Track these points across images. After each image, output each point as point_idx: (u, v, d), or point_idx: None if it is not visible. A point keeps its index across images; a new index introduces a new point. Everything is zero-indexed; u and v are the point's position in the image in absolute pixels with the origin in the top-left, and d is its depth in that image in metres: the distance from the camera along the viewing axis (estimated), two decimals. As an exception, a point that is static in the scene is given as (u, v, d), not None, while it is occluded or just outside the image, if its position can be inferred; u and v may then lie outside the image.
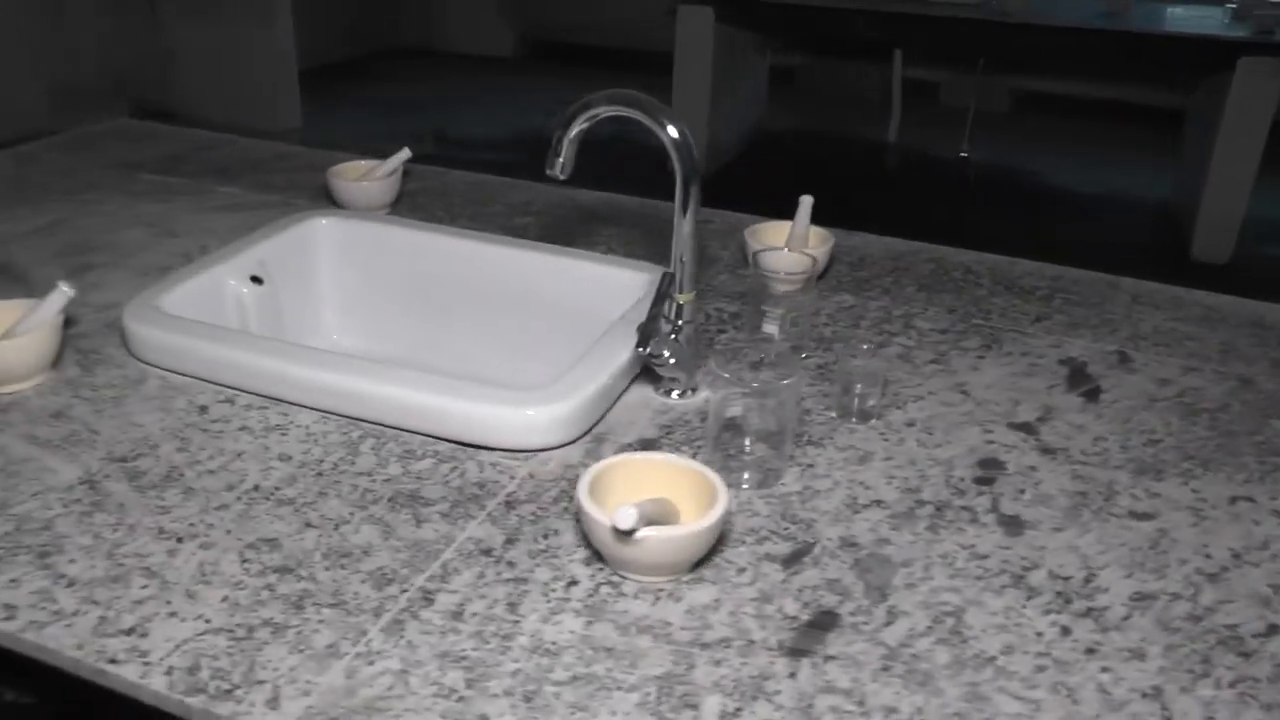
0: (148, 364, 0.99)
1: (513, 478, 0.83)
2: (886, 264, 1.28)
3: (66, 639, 0.67)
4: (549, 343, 1.15)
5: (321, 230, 1.22)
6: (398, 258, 1.21)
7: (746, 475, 0.84)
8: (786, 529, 0.79)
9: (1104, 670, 0.67)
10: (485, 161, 3.92)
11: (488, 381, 0.90)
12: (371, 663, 0.65)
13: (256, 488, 0.82)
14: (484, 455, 0.86)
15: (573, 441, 0.88)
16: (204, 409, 0.92)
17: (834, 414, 0.94)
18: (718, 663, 0.66)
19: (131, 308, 1.00)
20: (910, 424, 0.93)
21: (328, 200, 1.37)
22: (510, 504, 0.80)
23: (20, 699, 0.78)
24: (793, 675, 0.65)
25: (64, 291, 0.96)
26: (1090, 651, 0.69)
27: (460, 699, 0.62)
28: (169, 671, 0.64)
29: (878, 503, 0.82)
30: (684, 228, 0.91)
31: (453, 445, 0.87)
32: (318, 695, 0.63)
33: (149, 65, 4.53)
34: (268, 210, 1.35)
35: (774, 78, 4.77)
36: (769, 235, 1.21)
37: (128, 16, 4.43)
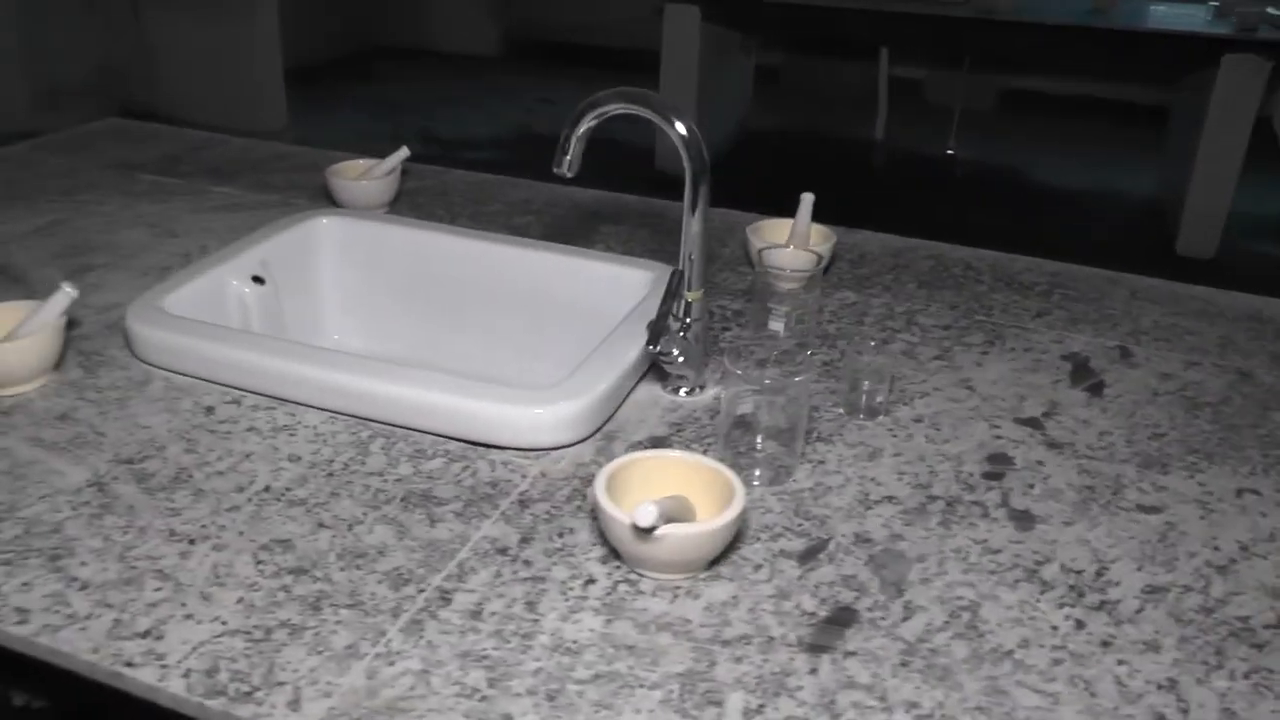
0: (151, 365, 0.98)
1: (525, 476, 0.83)
2: (886, 261, 1.28)
3: (81, 642, 0.66)
4: (553, 342, 1.15)
5: (323, 230, 1.22)
6: (400, 257, 1.21)
7: (758, 472, 0.84)
8: (800, 525, 0.79)
9: (1120, 663, 0.68)
10: (470, 160, 3.91)
11: (495, 380, 0.89)
12: (392, 663, 0.65)
13: (267, 489, 0.82)
14: (495, 454, 0.86)
15: (584, 440, 0.88)
16: (210, 410, 0.92)
17: (842, 410, 0.95)
18: (738, 660, 0.66)
19: (134, 309, 1.00)
20: (918, 420, 0.94)
21: (326, 199, 1.36)
22: (524, 503, 0.80)
23: (32, 703, 0.78)
24: (814, 671, 0.65)
25: (67, 293, 0.95)
26: (1105, 644, 0.69)
27: (483, 698, 0.62)
28: (187, 674, 0.64)
29: (889, 498, 0.83)
30: (693, 225, 0.91)
31: (463, 444, 0.87)
32: (339, 696, 0.62)
33: (133, 65, 4.49)
34: (267, 210, 1.34)
35: (759, 76, 4.77)
36: (770, 233, 1.22)
37: (111, 16, 4.40)
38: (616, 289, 1.10)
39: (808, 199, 1.21)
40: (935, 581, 0.74)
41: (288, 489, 0.81)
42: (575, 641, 0.67)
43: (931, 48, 4.67)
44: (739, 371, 0.82)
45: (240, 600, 0.70)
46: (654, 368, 0.97)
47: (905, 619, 0.70)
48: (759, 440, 0.85)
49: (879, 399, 0.94)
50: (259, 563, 0.73)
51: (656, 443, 0.88)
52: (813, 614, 0.70)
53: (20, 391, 0.94)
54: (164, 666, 0.65)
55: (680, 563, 0.71)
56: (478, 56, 5.99)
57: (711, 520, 0.69)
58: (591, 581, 0.72)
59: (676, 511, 0.69)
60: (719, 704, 0.62)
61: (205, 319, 1.01)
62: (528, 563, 0.74)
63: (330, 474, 0.83)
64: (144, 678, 0.64)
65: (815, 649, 0.67)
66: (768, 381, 0.84)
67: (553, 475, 0.84)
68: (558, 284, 1.15)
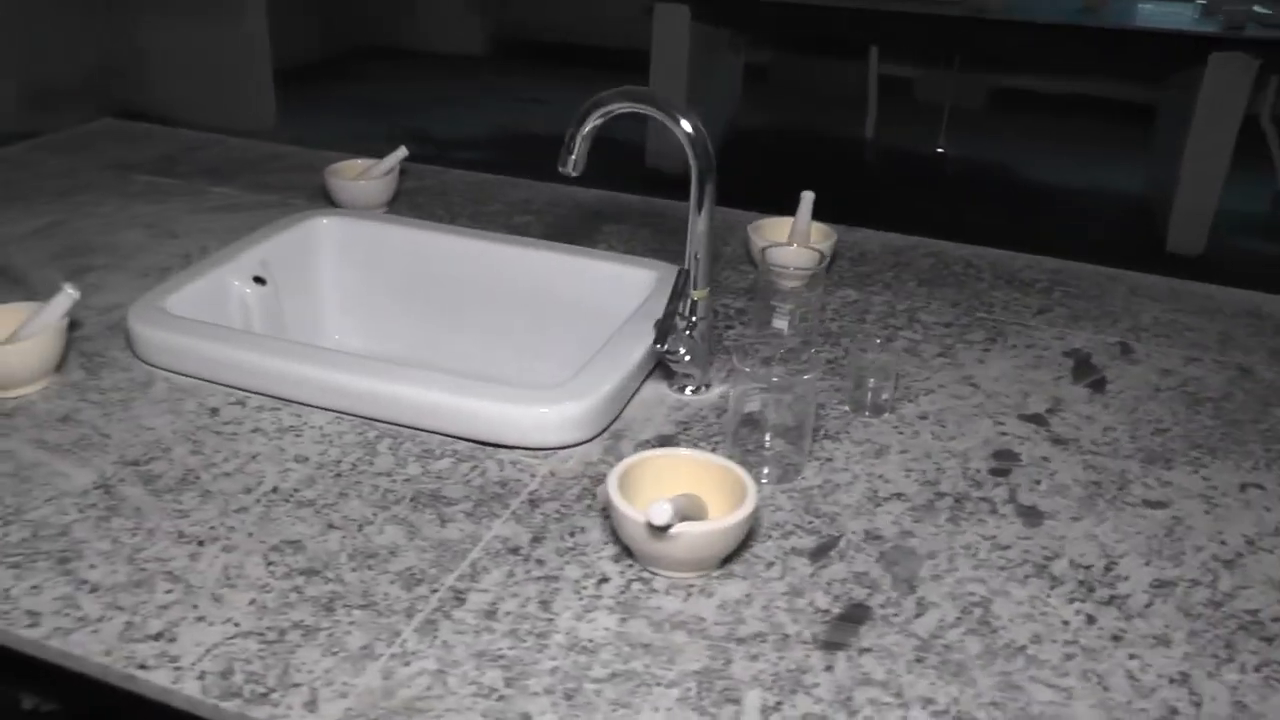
0: (154, 366, 0.97)
1: (534, 476, 0.83)
2: (887, 259, 1.28)
3: (94, 645, 0.66)
4: (554, 341, 1.15)
5: (323, 230, 1.22)
6: (401, 257, 1.21)
7: (766, 470, 0.84)
8: (810, 523, 0.79)
9: (1131, 657, 0.68)
10: (460, 160, 3.90)
11: (500, 380, 0.89)
12: (408, 663, 0.65)
13: (275, 490, 0.81)
14: (503, 454, 0.86)
15: (591, 439, 0.88)
16: (215, 411, 0.91)
17: (847, 408, 0.95)
18: (754, 657, 0.66)
19: (136, 309, 0.99)
20: (923, 417, 0.94)
21: (324, 199, 1.36)
22: (534, 502, 0.80)
23: (41, 706, 0.77)
24: (829, 668, 0.65)
25: (69, 294, 0.94)
26: (1116, 639, 0.69)
27: (501, 698, 0.62)
28: (201, 676, 0.64)
29: (898, 495, 0.83)
30: (699, 224, 0.91)
31: (471, 444, 0.87)
32: (355, 697, 0.62)
33: (122, 65, 4.47)
34: (265, 210, 1.34)
35: (748, 75, 4.78)
36: (771, 231, 1.22)
37: (99, 16, 4.37)
38: (619, 288, 1.10)
39: (808, 197, 1.21)
40: (946, 578, 0.74)
41: (296, 490, 0.81)
42: (591, 640, 0.67)
43: (922, 46, 4.68)
44: (747, 369, 0.83)
45: (252, 602, 0.70)
46: (659, 366, 0.97)
47: (918, 615, 0.70)
48: (767, 438, 0.85)
49: (884, 396, 0.94)
50: (270, 564, 0.73)
51: (664, 441, 0.88)
52: (826, 611, 0.70)
53: (22, 393, 0.93)
54: (178, 669, 0.64)
55: (694, 561, 0.71)
56: (467, 56, 5.98)
57: (726, 518, 0.69)
58: (605, 580, 0.72)
59: (690, 510, 0.69)
60: (737, 702, 0.62)
61: (206, 320, 1.00)
62: (540, 562, 0.74)
63: (338, 474, 0.83)
64: (158, 680, 0.64)
65: (830, 646, 0.67)
66: (775, 379, 0.84)
67: (562, 474, 0.84)
68: (559, 283, 1.15)
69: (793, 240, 1.17)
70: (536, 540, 0.76)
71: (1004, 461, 0.88)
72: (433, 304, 1.21)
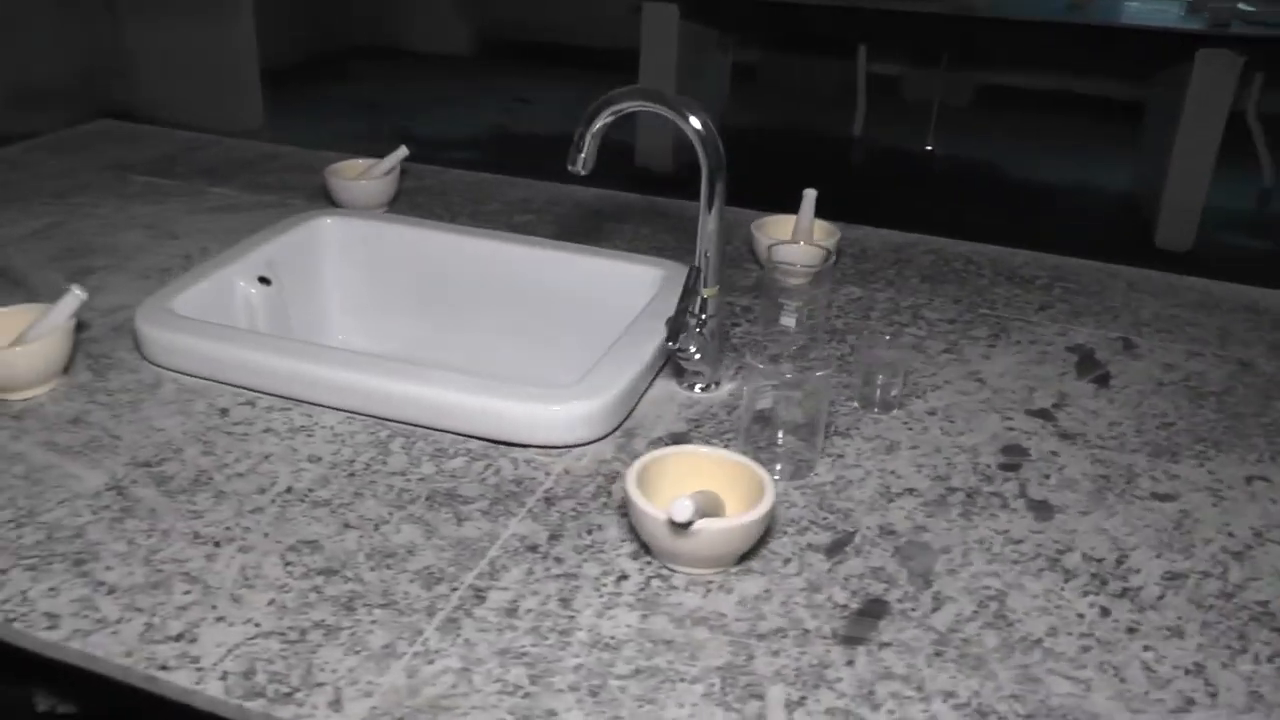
0: (162, 367, 0.97)
1: (548, 474, 0.83)
2: (888, 256, 1.29)
3: (114, 647, 0.66)
4: (560, 340, 1.15)
5: (327, 230, 1.21)
6: (405, 257, 1.21)
7: (779, 467, 0.84)
8: (825, 519, 0.80)
9: (1146, 649, 0.69)
10: (448, 159, 3.89)
11: (512, 379, 0.90)
12: (431, 661, 0.65)
13: (289, 490, 0.81)
14: (517, 452, 0.86)
15: (604, 437, 0.88)
16: (224, 412, 0.91)
17: (856, 404, 0.95)
18: (776, 653, 0.66)
19: (143, 310, 0.99)
20: (931, 413, 0.95)
21: (323, 199, 1.35)
22: (549, 500, 0.80)
23: (57, 708, 0.77)
24: (850, 663, 0.66)
25: (76, 295, 0.94)
26: (1131, 631, 0.70)
27: (526, 695, 0.62)
28: (224, 677, 0.64)
29: (910, 491, 0.84)
30: (709, 223, 0.91)
31: (484, 443, 0.87)
32: (380, 696, 0.62)
33: (109, 66, 4.44)
34: (265, 211, 1.33)
35: (736, 74, 4.79)
36: (773, 229, 1.22)
37: (86, 17, 4.34)
38: (625, 287, 1.10)
39: (810, 195, 1.22)
40: (961, 572, 0.75)
41: (310, 490, 0.81)
42: (613, 637, 0.67)
43: (910, 45, 4.70)
44: (761, 366, 0.83)
45: (272, 602, 0.70)
46: (668, 364, 0.98)
47: (935, 609, 0.71)
48: (779, 435, 0.85)
49: (893, 392, 0.95)
50: (287, 564, 0.73)
51: (676, 439, 0.89)
52: (844, 606, 0.71)
53: (31, 395, 0.93)
54: (199, 669, 0.64)
55: (713, 557, 0.71)
56: (454, 56, 5.96)
57: (746, 514, 0.69)
58: (624, 577, 0.72)
59: (708, 506, 0.70)
60: (760, 697, 0.63)
61: (212, 320, 1.00)
62: (559, 560, 0.74)
63: (352, 474, 0.83)
64: (180, 681, 0.64)
65: (850, 641, 0.68)
66: (788, 376, 0.84)
67: (576, 472, 0.84)
68: (564, 282, 1.15)
69: (797, 238, 1.18)
70: (554, 538, 0.76)
71: (1013, 456, 0.89)
72: (437, 303, 1.20)
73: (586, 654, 0.65)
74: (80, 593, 0.70)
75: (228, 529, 0.77)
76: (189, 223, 1.30)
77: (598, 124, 0.90)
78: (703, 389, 0.96)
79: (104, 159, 1.53)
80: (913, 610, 0.71)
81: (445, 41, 6.00)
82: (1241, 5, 3.57)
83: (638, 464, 0.74)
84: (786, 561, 0.75)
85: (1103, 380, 1.02)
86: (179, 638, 0.67)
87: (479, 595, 0.70)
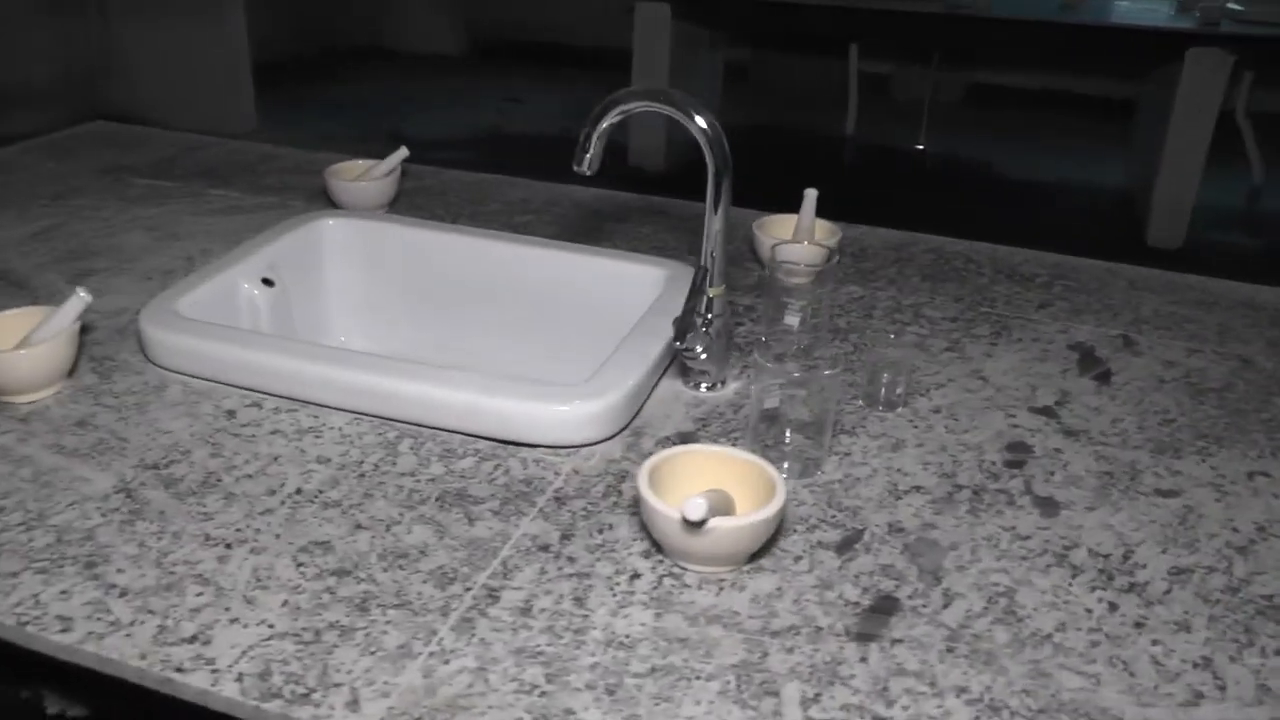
0: (167, 369, 0.97)
1: (558, 474, 0.84)
2: (888, 255, 1.30)
3: (128, 649, 0.66)
4: (564, 340, 1.15)
5: (329, 231, 1.21)
6: (408, 257, 1.21)
7: (786, 465, 0.85)
8: (834, 517, 0.80)
9: (1154, 643, 0.69)
10: (440, 159, 3.89)
11: (523, 379, 0.90)
12: (447, 661, 0.65)
13: (299, 491, 0.81)
14: (526, 452, 0.86)
15: (613, 436, 0.88)
16: (231, 413, 0.91)
17: (861, 403, 0.96)
18: (789, 650, 0.67)
19: (148, 312, 0.99)
20: (936, 411, 0.95)
21: (324, 200, 1.35)
22: (560, 500, 0.80)
23: (67, 711, 0.77)
24: (864, 660, 0.66)
25: (81, 297, 0.94)
26: (1139, 625, 0.71)
27: (543, 694, 0.63)
28: (239, 678, 0.64)
29: (917, 488, 0.84)
30: (715, 223, 0.92)
31: (493, 443, 0.87)
32: (397, 696, 0.62)
33: (100, 67, 4.42)
34: (265, 212, 1.33)
35: (728, 73, 4.79)
36: (775, 228, 1.23)
37: (75, 18, 4.32)
38: (628, 286, 1.10)
39: (811, 194, 1.22)
40: (970, 569, 0.75)
41: (320, 491, 0.81)
42: (628, 636, 0.67)
43: (901, 43, 4.72)
44: (769, 365, 0.83)
45: (285, 603, 0.70)
46: (674, 363, 0.98)
47: (945, 606, 0.71)
48: (787, 433, 0.86)
49: (898, 391, 0.95)
50: (300, 565, 0.73)
51: (684, 438, 0.89)
52: (856, 603, 0.71)
53: (36, 398, 0.92)
54: (215, 671, 0.64)
55: (726, 555, 0.71)
56: (445, 56, 5.96)
57: (758, 512, 0.70)
58: (637, 576, 0.73)
59: (719, 505, 0.70)
60: (775, 694, 0.63)
61: (217, 322, 1.00)
62: (571, 559, 0.74)
63: (361, 475, 0.83)
64: (195, 683, 0.64)
65: (863, 637, 0.68)
66: (796, 375, 0.85)
67: (585, 472, 0.84)
68: (567, 282, 1.15)
69: (799, 237, 1.18)
70: (566, 537, 0.76)
71: (1017, 453, 0.90)
72: (440, 304, 1.21)
73: (602, 653, 0.66)
74: (92, 595, 0.70)
75: (239, 530, 0.77)
76: (191, 224, 1.30)
77: (603, 124, 0.90)
78: (708, 388, 0.96)
79: (100, 161, 1.53)
80: (923, 607, 0.71)
81: (437, 42, 6.00)
82: (1231, 4, 3.59)
83: (649, 463, 0.74)
84: (797, 559, 0.75)
85: (1104, 377, 1.03)
86: (193, 639, 0.67)
87: (493, 595, 0.71)
